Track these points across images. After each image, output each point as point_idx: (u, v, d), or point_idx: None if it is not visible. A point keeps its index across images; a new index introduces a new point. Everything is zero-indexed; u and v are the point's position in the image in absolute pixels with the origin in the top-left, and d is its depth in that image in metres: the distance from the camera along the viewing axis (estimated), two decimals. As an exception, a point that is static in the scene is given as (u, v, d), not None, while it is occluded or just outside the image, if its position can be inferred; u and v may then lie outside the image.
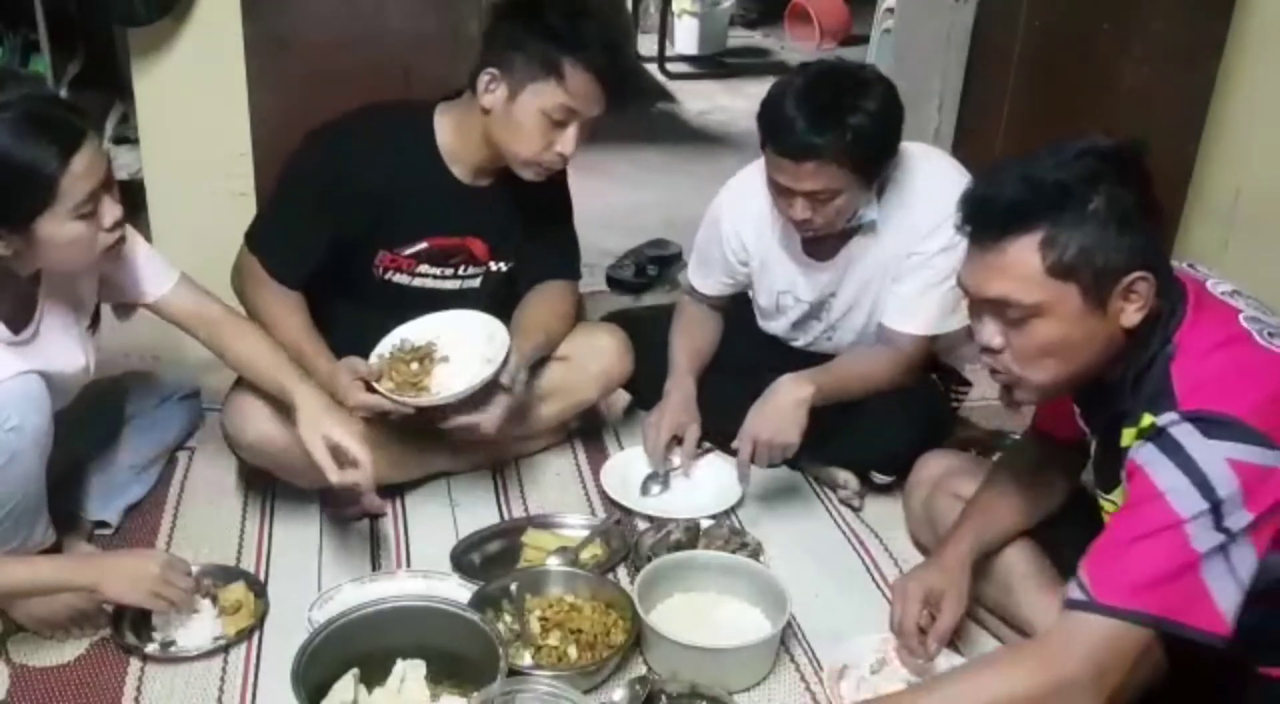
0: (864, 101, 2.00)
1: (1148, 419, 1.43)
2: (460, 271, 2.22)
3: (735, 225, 2.32)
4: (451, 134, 2.13)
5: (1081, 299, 1.43)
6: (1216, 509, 1.36)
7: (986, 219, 1.47)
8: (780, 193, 2.09)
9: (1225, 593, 1.37)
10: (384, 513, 2.21)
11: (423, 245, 2.16)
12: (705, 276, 2.43)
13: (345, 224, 2.10)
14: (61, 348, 1.84)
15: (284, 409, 2.00)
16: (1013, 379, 1.54)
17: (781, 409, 2.12)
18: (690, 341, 2.43)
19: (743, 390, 2.20)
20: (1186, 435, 1.38)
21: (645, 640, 1.86)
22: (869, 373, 2.22)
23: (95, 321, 1.95)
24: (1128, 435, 1.47)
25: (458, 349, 2.15)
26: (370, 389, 2.07)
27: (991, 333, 1.51)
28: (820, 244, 2.24)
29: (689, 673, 1.76)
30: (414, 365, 2.11)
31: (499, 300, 2.27)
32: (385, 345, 2.15)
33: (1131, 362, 1.49)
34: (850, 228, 2.17)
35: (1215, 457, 1.36)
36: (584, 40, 1.97)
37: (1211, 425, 1.37)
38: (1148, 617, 1.38)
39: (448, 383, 2.10)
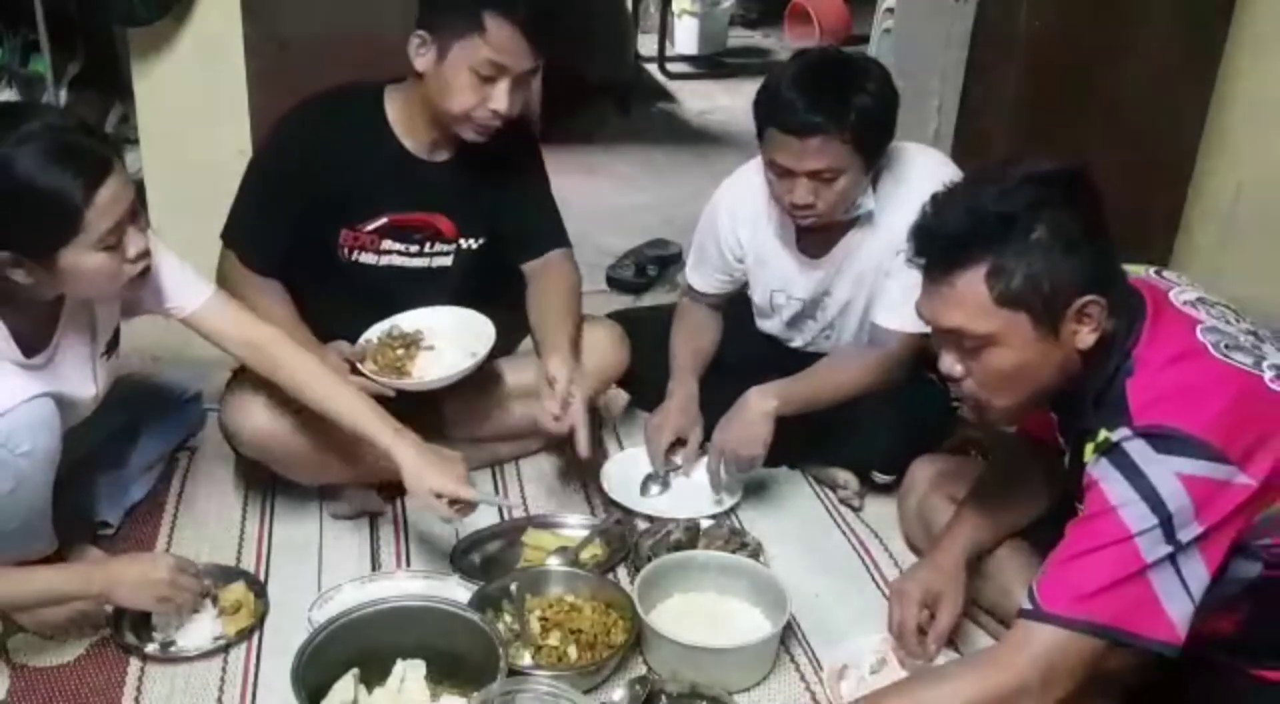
0: (865, 81, 2.01)
1: (1103, 434, 1.45)
2: (427, 249, 2.21)
3: (732, 221, 2.32)
4: (400, 109, 2.13)
5: (1033, 326, 1.45)
6: (1167, 524, 1.38)
7: (934, 253, 1.50)
8: (782, 176, 2.07)
9: (1175, 601, 1.39)
10: (383, 512, 2.22)
11: (383, 220, 2.16)
12: (702, 274, 2.43)
13: (306, 203, 2.11)
14: (74, 373, 1.83)
15: (285, 403, 2.02)
16: (979, 404, 1.56)
17: (746, 423, 2.15)
18: (691, 342, 2.43)
19: (739, 393, 2.20)
20: (1139, 451, 1.40)
21: (645, 640, 1.86)
22: (847, 379, 2.21)
23: (114, 346, 1.93)
24: (1088, 450, 1.49)
25: (444, 341, 2.18)
26: (355, 372, 2.09)
27: (951, 362, 1.54)
28: (815, 241, 2.23)
29: (689, 673, 1.76)
30: (399, 351, 2.14)
31: (479, 278, 2.27)
32: (375, 331, 2.18)
33: (1092, 380, 1.50)
34: (846, 220, 2.17)
35: (1166, 472, 1.38)
36: None
37: (1162, 441, 1.39)
38: (1095, 626, 1.40)
39: (429, 370, 2.13)
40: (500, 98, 2.01)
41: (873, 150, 2.06)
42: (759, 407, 2.15)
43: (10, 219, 1.57)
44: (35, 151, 1.55)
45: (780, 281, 2.31)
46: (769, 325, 2.42)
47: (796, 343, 2.41)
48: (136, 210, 1.68)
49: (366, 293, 2.19)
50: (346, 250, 2.17)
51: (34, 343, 1.74)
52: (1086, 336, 1.46)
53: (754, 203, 2.28)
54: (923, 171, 2.15)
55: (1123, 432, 1.42)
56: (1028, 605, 1.44)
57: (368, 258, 2.18)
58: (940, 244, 1.48)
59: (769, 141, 2.06)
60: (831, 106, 1.97)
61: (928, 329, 2.17)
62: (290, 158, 2.12)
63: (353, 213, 2.15)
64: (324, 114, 2.14)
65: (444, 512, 1.91)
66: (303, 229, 2.13)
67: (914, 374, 2.29)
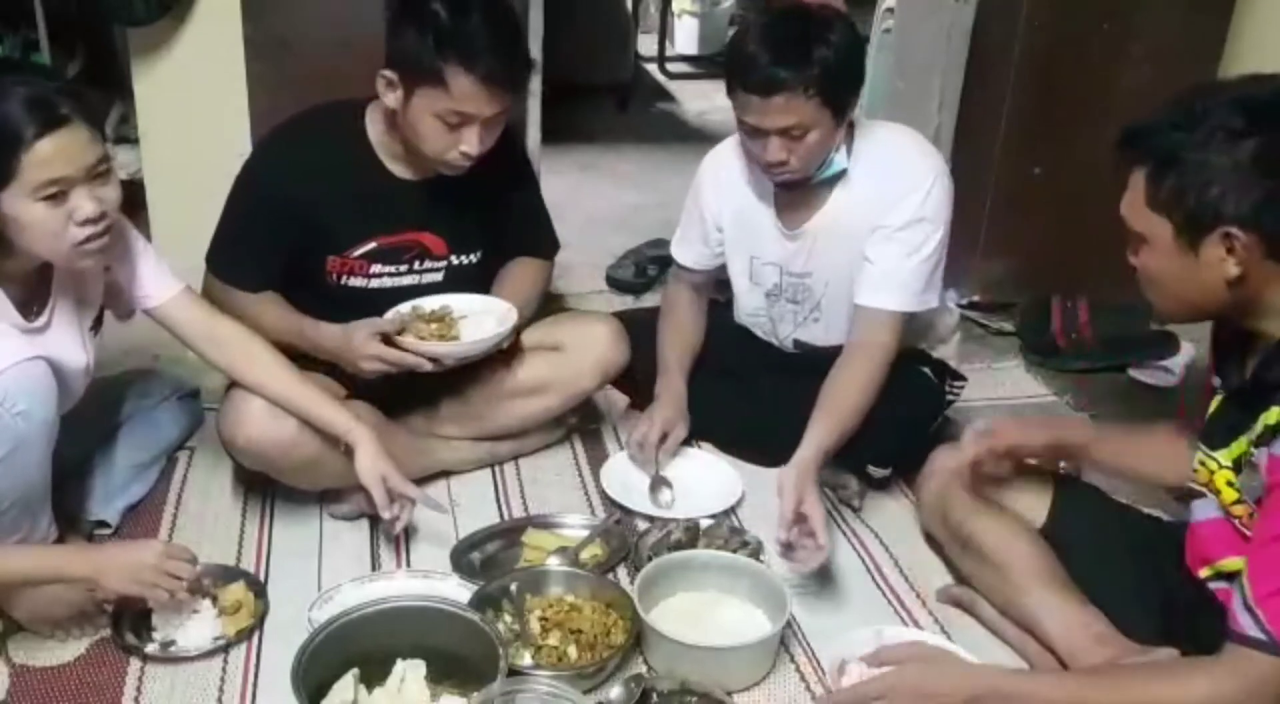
0: (828, 34, 2.01)
1: None
2: (416, 266, 2.21)
3: (715, 185, 2.34)
4: (382, 130, 2.11)
5: (1174, 236, 1.46)
6: None
7: (1121, 141, 1.52)
8: (752, 135, 2.07)
9: None
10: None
11: (371, 245, 2.15)
12: (688, 246, 2.45)
13: (290, 234, 2.10)
14: (67, 341, 1.85)
15: (282, 410, 2.02)
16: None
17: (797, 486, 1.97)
18: (679, 336, 2.43)
19: (736, 394, 2.20)
20: None
21: (645, 640, 1.85)
22: (860, 394, 2.12)
23: (98, 323, 1.96)
24: (1273, 413, 1.45)
25: (472, 314, 2.19)
26: (389, 344, 2.08)
27: (1130, 252, 1.56)
28: (792, 209, 2.24)
29: (689, 673, 1.76)
30: (433, 324, 2.13)
31: (474, 290, 2.26)
32: (396, 312, 2.15)
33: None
34: (822, 181, 2.16)
35: None
36: (464, 44, 1.92)
37: None
38: None
39: (477, 334, 2.13)
40: (470, 142, 1.99)
41: (841, 102, 2.05)
42: (800, 477, 1.97)
43: None
44: (5, 93, 1.60)
45: (760, 247, 2.32)
46: (750, 307, 2.41)
47: (783, 334, 2.40)
48: (100, 176, 1.68)
49: (355, 311, 2.17)
50: (335, 275, 2.17)
51: (31, 306, 1.78)
52: (1230, 268, 1.44)
53: (735, 169, 2.30)
54: (897, 151, 2.18)
55: None
56: (1257, 634, 1.39)
57: (357, 281, 2.18)
58: (1125, 136, 1.51)
59: (737, 101, 2.06)
60: (793, 62, 1.97)
61: (918, 308, 2.19)
62: (272, 190, 2.10)
63: (339, 241, 2.14)
64: (304, 142, 2.12)
65: (383, 500, 1.99)
66: (288, 257, 2.13)
67: (907, 366, 2.30)
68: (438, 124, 1.98)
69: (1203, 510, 1.67)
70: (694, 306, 2.48)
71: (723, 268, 2.43)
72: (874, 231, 2.16)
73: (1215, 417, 1.62)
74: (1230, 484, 1.58)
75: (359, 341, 2.07)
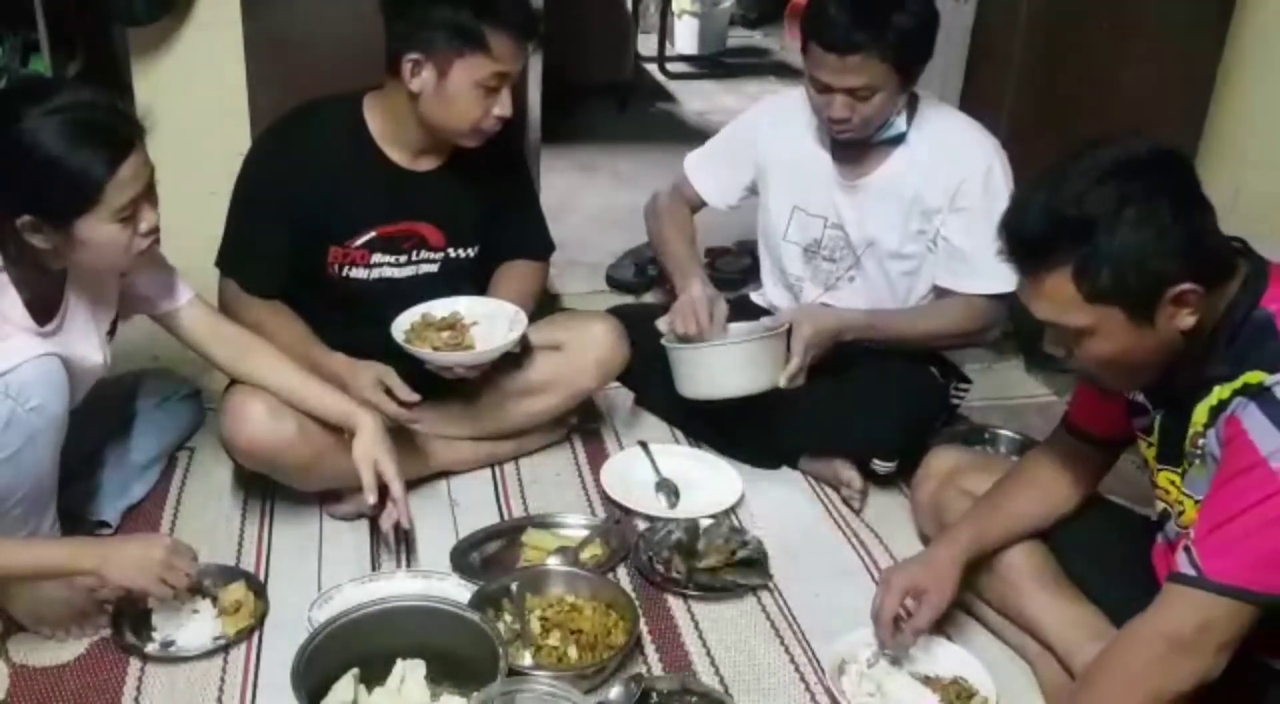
0: (907, 1, 2.07)
1: (1257, 376, 1.43)
2: (414, 257, 2.22)
3: (774, 124, 2.39)
4: (383, 120, 2.13)
5: (1127, 317, 1.44)
6: None
7: (1019, 254, 1.50)
8: (821, 91, 2.14)
9: None
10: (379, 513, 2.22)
11: (371, 234, 2.16)
12: (709, 176, 2.49)
13: (295, 221, 2.11)
14: (83, 343, 1.87)
15: (282, 412, 2.02)
16: (1091, 377, 1.60)
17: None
18: (684, 234, 2.48)
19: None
20: None
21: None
22: (947, 317, 2.28)
23: (113, 328, 1.98)
24: (1221, 392, 1.47)
25: (483, 319, 2.19)
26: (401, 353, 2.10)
27: (1055, 346, 1.56)
28: (851, 165, 2.29)
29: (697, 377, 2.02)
30: (444, 332, 2.14)
31: (470, 286, 2.27)
32: (406, 320, 2.16)
33: (1222, 329, 1.48)
34: (881, 141, 2.23)
35: None
36: (496, 6, 1.99)
37: None
38: (1260, 597, 1.40)
39: (491, 340, 2.14)
40: (505, 104, 2.05)
41: (909, 70, 2.13)
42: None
43: (35, 187, 1.65)
44: (63, 125, 1.63)
45: (808, 198, 2.34)
46: (782, 265, 2.43)
47: (810, 297, 2.41)
48: (152, 186, 1.77)
49: (357, 305, 2.19)
50: (336, 267, 2.17)
51: (44, 312, 1.80)
52: (1186, 319, 1.45)
53: (799, 118, 2.34)
54: (955, 117, 2.31)
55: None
56: (1189, 571, 1.43)
57: (358, 273, 2.19)
58: (1025, 247, 1.48)
59: (811, 57, 2.13)
60: (872, 25, 2.04)
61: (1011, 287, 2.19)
62: (272, 179, 2.12)
63: (340, 231, 2.15)
64: (302, 132, 2.13)
65: (369, 482, 1.98)
66: (293, 249, 2.14)
67: (915, 363, 2.31)
68: (477, 92, 2.02)
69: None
70: (690, 218, 2.53)
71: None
72: (956, 212, 2.21)
73: (1164, 437, 1.63)
74: (1188, 495, 1.59)
75: (365, 385, 2.09)
